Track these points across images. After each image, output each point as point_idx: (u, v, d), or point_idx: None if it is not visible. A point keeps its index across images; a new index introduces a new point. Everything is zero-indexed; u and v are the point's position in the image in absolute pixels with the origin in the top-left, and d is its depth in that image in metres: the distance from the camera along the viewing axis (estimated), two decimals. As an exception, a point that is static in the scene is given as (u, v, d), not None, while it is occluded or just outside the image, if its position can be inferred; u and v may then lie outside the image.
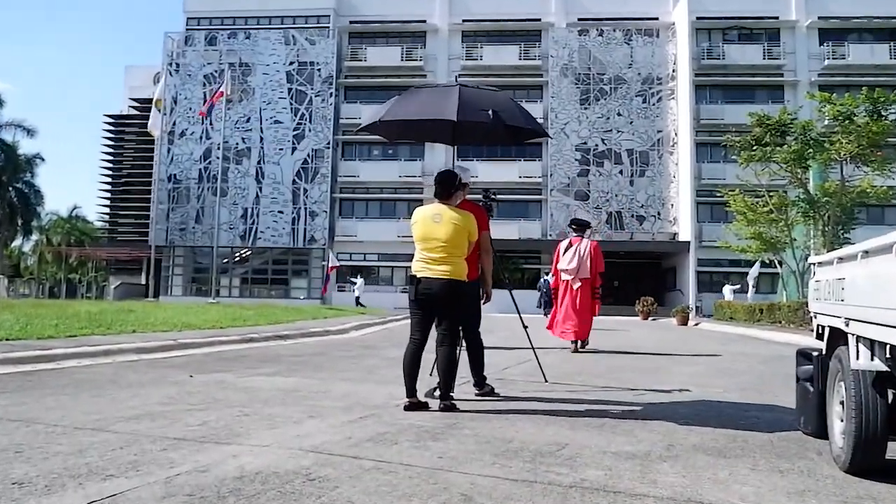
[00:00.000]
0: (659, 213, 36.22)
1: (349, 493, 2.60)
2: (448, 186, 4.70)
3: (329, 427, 3.87)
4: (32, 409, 4.14)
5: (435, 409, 4.47)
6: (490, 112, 4.99)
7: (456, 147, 6.38)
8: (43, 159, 54.73)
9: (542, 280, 25.38)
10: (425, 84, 5.54)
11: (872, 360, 2.89)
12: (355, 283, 32.67)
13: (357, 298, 31.36)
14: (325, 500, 2.51)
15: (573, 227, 10.53)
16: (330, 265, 32.55)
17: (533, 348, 6.53)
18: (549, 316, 10.83)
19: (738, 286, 28.83)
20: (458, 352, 4.84)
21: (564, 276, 10.19)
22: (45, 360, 6.44)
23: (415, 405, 4.48)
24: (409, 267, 4.72)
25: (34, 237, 53.03)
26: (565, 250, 10.21)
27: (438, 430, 3.86)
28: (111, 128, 46.41)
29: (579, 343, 10.10)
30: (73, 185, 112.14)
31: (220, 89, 31.28)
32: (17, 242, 52.40)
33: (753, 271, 26.50)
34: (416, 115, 5.41)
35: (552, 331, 10.34)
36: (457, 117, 4.94)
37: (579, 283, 10.05)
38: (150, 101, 36.33)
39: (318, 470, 2.92)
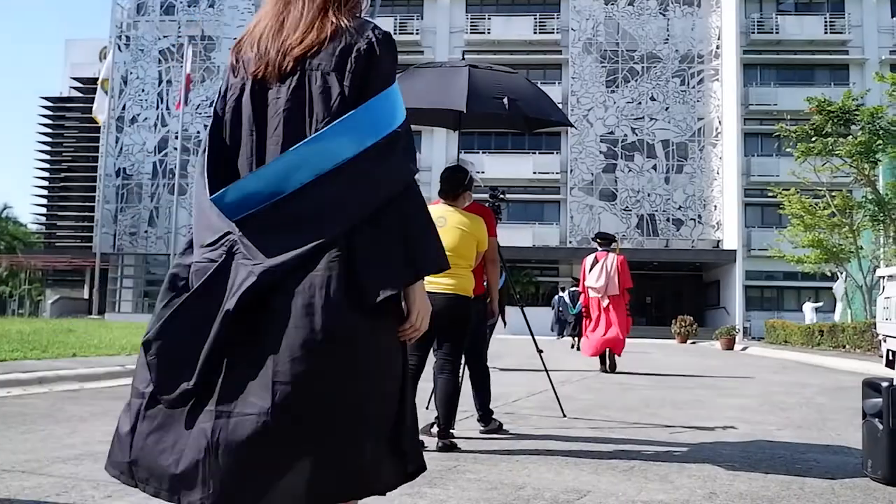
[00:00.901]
0: (699, 217, 36.27)
1: (329, 549, 2.60)
2: (456, 185, 4.71)
3: (306, 470, 3.86)
4: (-48, 448, 4.14)
5: (432, 449, 4.46)
6: (506, 101, 4.99)
7: (459, 135, 6.40)
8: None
9: (557, 297, 25.41)
10: (426, 63, 5.54)
11: (953, 392, 2.89)
12: None
13: None
14: (301, 558, 2.50)
15: (598, 241, 11.48)
16: None
17: (549, 376, 6.54)
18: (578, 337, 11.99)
19: (821, 304, 28.44)
20: (460, 381, 4.84)
21: (592, 294, 11.25)
22: (-32, 389, 6.44)
23: (408, 444, 4.46)
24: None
25: (-45, 242, 53.12)
26: (591, 266, 11.20)
27: (436, 473, 3.86)
28: (49, 112, 46.62)
29: (609, 363, 11.04)
30: (3, 180, 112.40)
31: (188, 73, 31.48)
32: (-66, 248, 52.46)
33: (839, 287, 26.02)
34: (417, 103, 5.41)
35: (584, 352, 11.47)
36: (466, 107, 4.94)
37: (608, 301, 11.01)
38: (94, 80, 36.50)
39: (292, 521, 2.92)
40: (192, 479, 1.58)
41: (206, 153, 1.85)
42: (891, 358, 3.80)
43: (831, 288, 25.25)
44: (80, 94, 44.64)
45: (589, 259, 11.34)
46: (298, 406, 1.58)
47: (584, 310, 12.01)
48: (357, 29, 1.82)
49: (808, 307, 28.11)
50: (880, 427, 3.65)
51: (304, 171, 1.71)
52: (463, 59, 5.60)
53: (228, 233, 1.71)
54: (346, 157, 1.71)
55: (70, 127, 45.25)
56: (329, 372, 1.62)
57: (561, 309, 22.42)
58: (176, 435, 1.61)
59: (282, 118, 1.77)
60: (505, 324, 5.39)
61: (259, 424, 1.55)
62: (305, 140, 1.72)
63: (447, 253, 4.59)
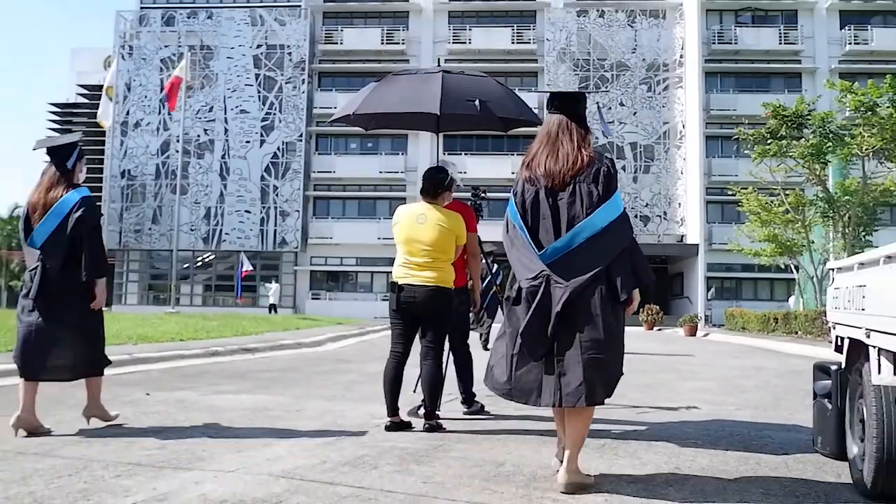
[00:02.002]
0: (665, 213, 36.46)
1: (324, 523, 2.61)
2: (436, 184, 4.69)
3: (302, 450, 3.87)
4: (-31, 432, 4.10)
5: (419, 430, 4.47)
6: (477, 102, 4.98)
7: (442, 138, 6.39)
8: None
9: None
10: (403, 70, 5.49)
11: None
12: (269, 289, 32.99)
13: (272, 306, 31.66)
14: (298, 531, 2.51)
15: None
16: (243, 269, 32.66)
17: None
18: None
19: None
20: (444, 366, 4.85)
21: None
22: (-17, 377, 6.38)
23: (397, 425, 4.48)
24: (391, 272, 4.73)
25: (-31, 240, 52.42)
26: None
27: (423, 452, 3.88)
28: (57, 118, 46.08)
29: None
30: (13, 182, 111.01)
31: (175, 75, 31.07)
32: (-51, 245, 51.75)
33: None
34: (394, 108, 5.37)
35: None
36: (440, 110, 4.94)
37: None
38: (99, 87, 36.04)
39: (289, 498, 2.93)
40: (549, 393, 3.12)
41: (523, 231, 3.29)
42: (839, 344, 3.84)
43: (793, 279, 25.26)
44: (85, 101, 44.16)
45: None
46: (594, 353, 3.07)
47: None
48: (598, 159, 3.29)
49: (794, 301, 27.99)
50: (829, 407, 3.70)
51: (581, 236, 3.16)
52: (438, 66, 5.57)
53: (543, 271, 3.15)
54: (601, 228, 3.17)
55: (76, 131, 44.75)
56: (607, 336, 3.10)
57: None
58: (538, 373, 3.15)
59: (566, 209, 3.23)
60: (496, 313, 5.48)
61: (578, 363, 3.06)
62: (581, 221, 3.17)
63: (427, 248, 4.68)
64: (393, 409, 4.52)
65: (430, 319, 4.55)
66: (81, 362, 4.45)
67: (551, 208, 3.22)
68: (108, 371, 7.56)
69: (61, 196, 4.32)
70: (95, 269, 4.30)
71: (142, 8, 40.13)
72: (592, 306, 3.09)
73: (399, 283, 4.55)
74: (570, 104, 3.44)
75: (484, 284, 13.06)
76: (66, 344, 4.31)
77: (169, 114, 37.44)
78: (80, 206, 4.31)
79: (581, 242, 3.14)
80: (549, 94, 3.53)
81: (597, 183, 3.21)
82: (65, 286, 4.26)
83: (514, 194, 3.39)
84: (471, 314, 5.40)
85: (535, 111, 6.09)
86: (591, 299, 3.09)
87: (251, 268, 33.05)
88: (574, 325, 3.08)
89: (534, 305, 3.10)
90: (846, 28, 36.07)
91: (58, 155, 4.49)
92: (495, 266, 14.15)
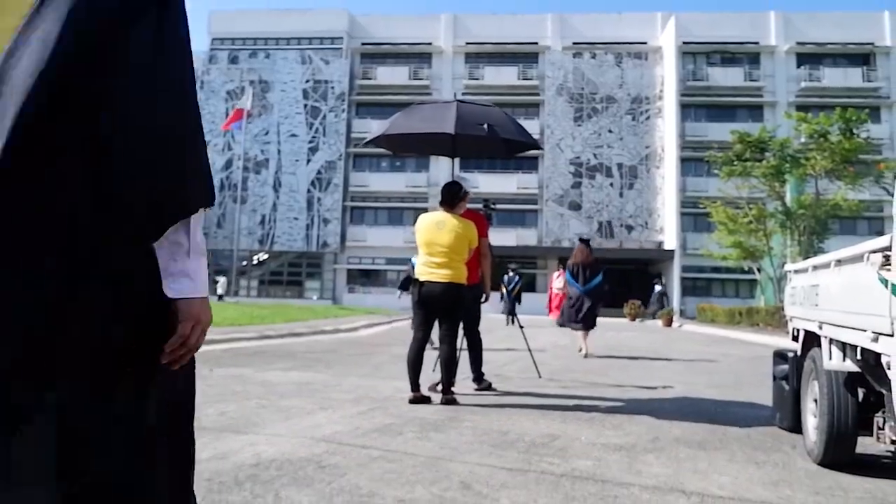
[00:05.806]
0: (646, 223, 36.17)
1: (357, 480, 2.61)
2: (453, 196, 4.69)
3: (339, 418, 3.87)
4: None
5: (437, 403, 4.47)
6: (486, 126, 4.98)
7: (458, 159, 6.40)
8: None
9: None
10: (426, 101, 5.51)
11: (844, 361, 2.89)
12: (218, 282, 32.90)
13: (220, 296, 31.55)
14: (335, 486, 2.51)
15: (561, 265, 16.34)
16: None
17: (528, 347, 6.54)
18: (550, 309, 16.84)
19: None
20: (458, 350, 4.84)
21: (556, 290, 15.54)
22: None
23: (418, 399, 4.48)
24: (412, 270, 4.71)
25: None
26: (557, 277, 15.70)
27: (440, 422, 3.87)
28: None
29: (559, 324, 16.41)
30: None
31: (239, 106, 31.27)
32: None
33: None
34: (417, 129, 5.39)
35: (552, 315, 15.74)
36: (454, 130, 4.94)
37: (562, 295, 16.36)
38: (176, 115, 36.39)
39: (328, 458, 2.93)
40: (580, 325, 8.72)
41: (573, 281, 8.89)
42: (796, 334, 3.79)
43: (756, 279, 25.14)
44: (164, 125, 44.54)
45: (555, 273, 16.20)
46: (592, 315, 8.83)
47: (551, 299, 16.69)
48: (595, 259, 9.01)
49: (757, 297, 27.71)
50: (787, 388, 3.65)
51: (592, 284, 8.76)
52: (454, 98, 5.61)
53: (580, 294, 8.73)
54: (597, 283, 8.84)
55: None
56: (594, 314, 8.88)
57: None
58: (578, 319, 8.74)
59: (588, 275, 8.80)
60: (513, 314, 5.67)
61: (589, 317, 8.82)
62: (591, 280, 8.77)
63: (444, 249, 4.69)
64: (415, 385, 4.52)
65: (446, 310, 4.54)
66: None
67: (582, 273, 8.70)
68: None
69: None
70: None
71: (211, 49, 40.46)
72: (595, 305, 8.64)
73: (420, 279, 4.54)
74: (587, 242, 8.97)
75: (510, 287, 16.43)
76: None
77: (232, 137, 37.76)
78: None
79: (592, 286, 8.62)
80: (579, 238, 9.17)
81: (594, 267, 8.76)
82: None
83: (568, 269, 8.99)
84: (484, 303, 5.39)
85: (536, 137, 6.08)
86: (595, 303, 8.65)
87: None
88: (589, 309, 8.56)
89: (577, 303, 8.61)
90: (802, 67, 35.65)
91: None
92: (517, 277, 16.57)
